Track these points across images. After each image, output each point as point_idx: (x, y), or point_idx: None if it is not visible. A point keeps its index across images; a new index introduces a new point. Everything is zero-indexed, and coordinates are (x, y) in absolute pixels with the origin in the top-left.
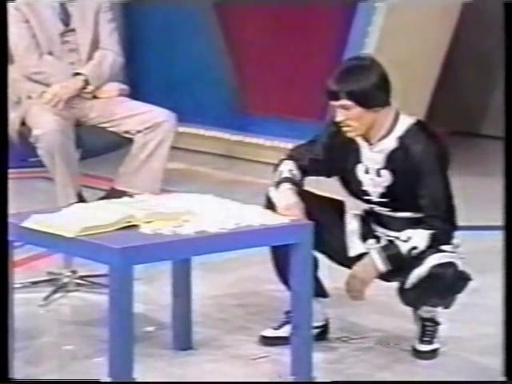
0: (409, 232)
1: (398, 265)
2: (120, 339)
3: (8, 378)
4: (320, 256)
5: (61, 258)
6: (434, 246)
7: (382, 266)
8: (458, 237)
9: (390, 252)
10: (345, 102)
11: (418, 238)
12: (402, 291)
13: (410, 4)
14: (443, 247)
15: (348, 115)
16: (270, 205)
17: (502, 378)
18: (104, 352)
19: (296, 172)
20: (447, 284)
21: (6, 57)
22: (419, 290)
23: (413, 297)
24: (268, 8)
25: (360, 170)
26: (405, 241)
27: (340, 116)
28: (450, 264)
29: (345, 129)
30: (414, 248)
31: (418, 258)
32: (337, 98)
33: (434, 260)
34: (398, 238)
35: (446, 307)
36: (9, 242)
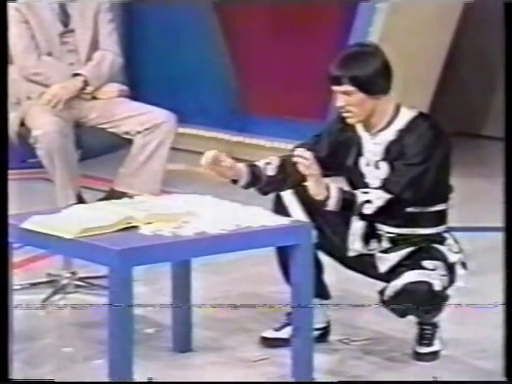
0: (370, 189)
1: (347, 211)
2: (119, 341)
3: (8, 378)
4: (324, 258)
5: (60, 260)
6: (387, 211)
7: (333, 202)
8: (459, 241)
9: (346, 196)
10: (347, 87)
11: (376, 195)
12: (382, 302)
13: (411, 4)
14: (424, 263)
15: (349, 101)
16: (278, 200)
17: (502, 378)
18: (103, 354)
19: (269, 166)
20: (419, 302)
21: (6, 57)
22: (396, 303)
23: (392, 308)
24: (268, 9)
25: (362, 162)
26: (364, 193)
27: (341, 101)
28: (425, 283)
29: (345, 115)
30: (368, 202)
31: (395, 273)
32: (339, 83)
33: (409, 276)
34: (399, 233)
35: (426, 322)
36: (8, 243)
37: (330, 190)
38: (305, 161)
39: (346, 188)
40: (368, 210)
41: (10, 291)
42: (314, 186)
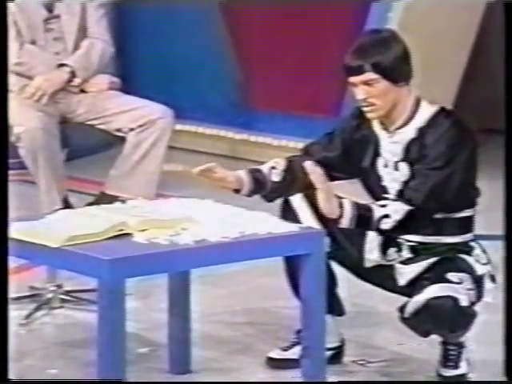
0: (387, 201)
1: (363, 227)
2: (110, 362)
3: (7, 378)
4: (338, 269)
5: (44, 271)
6: (408, 223)
7: (347, 220)
8: (487, 250)
9: (362, 212)
10: (370, 75)
11: (395, 208)
12: (403, 319)
13: None
14: (449, 276)
15: (371, 92)
16: (287, 204)
17: (502, 378)
18: (92, 376)
19: (274, 171)
20: (443, 319)
21: (6, 56)
22: (418, 321)
23: (414, 326)
24: None
25: (380, 163)
26: (381, 206)
27: (362, 93)
28: (450, 298)
29: (366, 109)
30: (387, 216)
31: (416, 287)
32: (360, 73)
33: (432, 291)
34: (421, 242)
35: (452, 341)
36: (8, 250)
37: (343, 207)
38: (316, 174)
39: (361, 197)
40: (386, 225)
41: (8, 292)
42: (326, 204)
